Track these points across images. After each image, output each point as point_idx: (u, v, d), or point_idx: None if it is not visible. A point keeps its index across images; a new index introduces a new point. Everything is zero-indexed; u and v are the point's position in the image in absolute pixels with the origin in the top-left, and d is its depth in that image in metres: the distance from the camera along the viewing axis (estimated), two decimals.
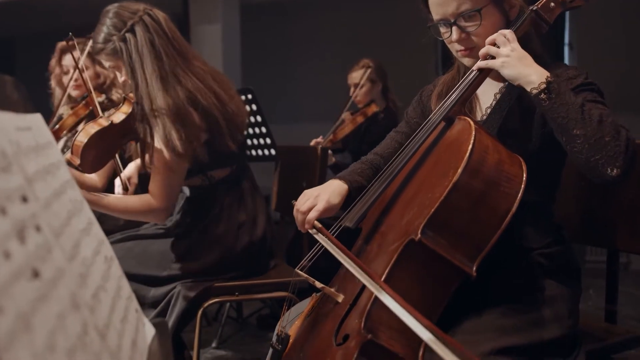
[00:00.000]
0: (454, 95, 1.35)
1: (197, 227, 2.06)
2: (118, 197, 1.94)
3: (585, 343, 1.43)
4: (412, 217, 1.20)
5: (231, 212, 2.07)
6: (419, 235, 1.12)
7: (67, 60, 2.79)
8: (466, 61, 1.42)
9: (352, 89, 3.70)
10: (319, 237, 1.33)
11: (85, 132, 1.84)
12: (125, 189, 2.22)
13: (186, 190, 2.12)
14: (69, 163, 1.79)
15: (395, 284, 1.14)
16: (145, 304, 2.02)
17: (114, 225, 2.70)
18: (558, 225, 1.44)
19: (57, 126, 2.51)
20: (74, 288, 0.61)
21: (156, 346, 0.86)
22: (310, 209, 1.40)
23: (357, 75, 3.67)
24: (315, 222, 1.38)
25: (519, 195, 1.20)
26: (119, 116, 1.93)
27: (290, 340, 1.30)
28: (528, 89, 1.25)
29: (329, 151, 3.43)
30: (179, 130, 1.86)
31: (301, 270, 1.37)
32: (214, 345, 2.95)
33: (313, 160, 2.41)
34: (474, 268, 1.17)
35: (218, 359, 2.83)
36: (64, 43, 2.78)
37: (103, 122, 1.89)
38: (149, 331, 0.87)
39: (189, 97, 1.92)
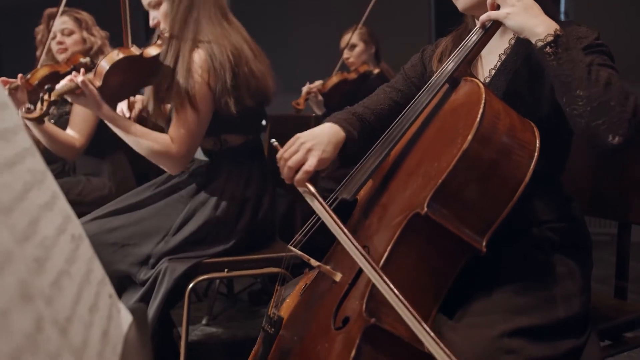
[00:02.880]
0: (458, 55, 1.24)
1: (201, 193, 1.99)
2: (142, 128, 1.88)
3: (595, 321, 1.34)
4: (416, 189, 1.10)
5: (237, 186, 2.00)
6: (425, 209, 1.02)
7: (55, 26, 2.68)
8: None
9: (345, 52, 3.60)
10: (314, 205, 1.19)
11: (111, 57, 1.80)
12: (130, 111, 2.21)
13: (199, 153, 2.05)
14: (90, 81, 1.77)
15: (398, 261, 1.05)
16: (135, 283, 1.94)
17: (98, 197, 2.61)
18: (568, 197, 1.34)
19: (28, 75, 2.39)
20: (25, 275, 0.51)
21: (134, 335, 0.76)
22: (299, 164, 1.23)
23: (350, 36, 3.57)
24: (308, 185, 1.21)
25: (533, 164, 1.10)
26: (150, 51, 1.90)
27: (283, 322, 1.21)
28: (533, 41, 1.14)
29: (319, 97, 3.37)
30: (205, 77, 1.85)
31: (294, 246, 1.27)
32: (204, 322, 2.87)
33: (306, 129, 2.28)
34: (484, 244, 1.07)
35: (208, 336, 2.75)
36: (51, 10, 2.70)
37: (134, 50, 1.85)
38: (126, 318, 0.77)
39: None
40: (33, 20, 2.86)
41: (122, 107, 2.32)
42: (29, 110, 1.76)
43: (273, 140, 1.30)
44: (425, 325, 0.94)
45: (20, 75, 2.22)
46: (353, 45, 3.58)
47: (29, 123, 2.35)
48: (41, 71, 2.50)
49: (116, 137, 2.63)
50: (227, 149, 2.03)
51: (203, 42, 1.89)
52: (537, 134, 1.14)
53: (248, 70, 1.96)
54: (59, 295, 0.57)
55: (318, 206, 1.17)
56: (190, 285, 1.89)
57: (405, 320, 0.95)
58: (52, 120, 2.67)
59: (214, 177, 2.01)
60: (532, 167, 1.10)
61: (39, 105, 1.72)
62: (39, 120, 1.78)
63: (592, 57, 1.13)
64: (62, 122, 2.64)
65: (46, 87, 1.72)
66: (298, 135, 1.29)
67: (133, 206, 2.03)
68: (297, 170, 1.24)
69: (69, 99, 1.77)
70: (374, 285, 1.03)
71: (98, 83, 1.79)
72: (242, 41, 1.99)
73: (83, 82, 1.74)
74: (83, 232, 0.75)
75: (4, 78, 2.24)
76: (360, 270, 1.10)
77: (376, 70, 3.58)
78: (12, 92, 2.19)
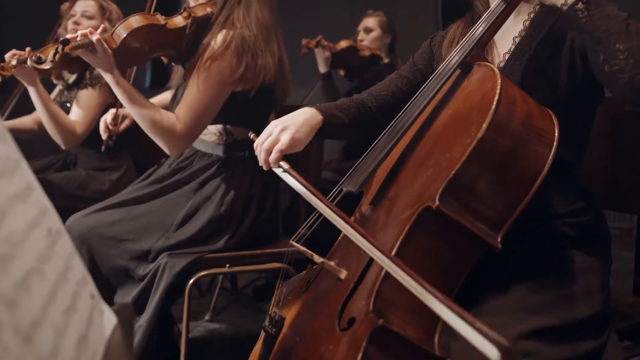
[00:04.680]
0: (471, 37, 1.16)
1: (204, 188, 1.95)
2: (151, 103, 1.82)
3: (614, 320, 1.27)
4: (427, 181, 1.02)
5: (243, 182, 1.95)
6: (437, 202, 0.95)
7: (79, 6, 2.64)
8: None
9: (360, 34, 3.56)
10: (288, 180, 1.18)
11: (129, 24, 1.74)
12: (113, 124, 2.20)
13: (200, 146, 2.00)
14: (106, 40, 1.70)
15: (407, 258, 0.98)
16: (133, 278, 1.89)
17: (97, 191, 2.56)
18: (585, 189, 1.26)
19: (37, 52, 2.33)
20: None
21: (118, 338, 0.69)
22: (273, 146, 1.24)
23: (370, 20, 3.55)
24: (282, 163, 1.23)
25: (552, 154, 1.03)
26: (176, 21, 1.85)
27: (285, 322, 1.14)
28: (559, 4, 1.07)
29: (327, 53, 3.37)
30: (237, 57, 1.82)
31: (297, 241, 1.20)
32: (207, 318, 2.81)
33: None
34: (499, 239, 1.00)
35: (211, 333, 2.69)
36: None
37: (159, 19, 1.80)
38: (109, 321, 0.70)
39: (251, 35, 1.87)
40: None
41: (107, 117, 2.27)
42: (39, 60, 1.68)
43: (250, 132, 1.33)
44: (451, 304, 0.84)
45: (28, 49, 2.16)
46: (370, 30, 3.54)
47: (33, 96, 2.30)
48: (51, 48, 2.45)
49: (120, 133, 2.58)
50: (232, 143, 1.97)
51: (235, 25, 1.85)
52: (555, 122, 1.07)
53: (271, 67, 1.93)
54: (25, 297, 0.50)
55: (297, 185, 1.14)
56: (191, 282, 1.84)
57: (427, 303, 0.86)
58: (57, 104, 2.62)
59: (219, 172, 1.96)
60: (550, 157, 1.03)
61: (50, 56, 1.64)
62: (47, 72, 1.71)
63: (627, 12, 1.05)
64: (64, 110, 2.58)
65: (61, 39, 1.65)
66: (273, 121, 1.29)
67: (134, 200, 1.98)
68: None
69: (82, 55, 1.69)
70: (382, 281, 0.96)
71: (114, 45, 1.72)
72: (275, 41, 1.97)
73: (98, 40, 1.67)
74: (62, 226, 0.68)
75: (14, 51, 2.17)
76: (367, 267, 1.03)
77: (386, 60, 3.52)
78: (21, 65, 2.12)
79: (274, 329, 1.12)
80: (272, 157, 1.24)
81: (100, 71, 1.73)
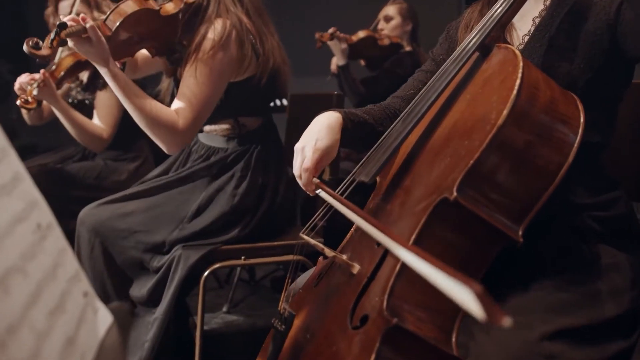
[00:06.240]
0: (490, 18, 1.09)
1: (218, 180, 1.92)
2: (150, 97, 1.72)
3: None
4: (444, 170, 0.97)
5: (256, 172, 1.92)
6: (455, 193, 0.89)
7: (63, 8, 2.61)
8: None
9: (380, 23, 3.48)
10: (324, 196, 1.10)
11: (123, 9, 1.64)
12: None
13: (214, 142, 1.97)
14: (99, 28, 1.58)
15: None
16: (147, 270, 1.88)
17: (116, 182, 2.56)
18: (613, 178, 1.19)
19: (54, 67, 2.31)
20: None
21: (114, 339, 0.66)
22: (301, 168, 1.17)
23: (389, 8, 3.46)
24: (315, 182, 1.14)
25: (577, 141, 0.97)
26: (168, 7, 1.75)
27: (295, 319, 1.09)
28: None
29: (344, 45, 3.26)
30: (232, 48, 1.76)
31: (308, 233, 1.15)
32: (224, 309, 2.79)
33: (327, 109, 2.17)
34: (520, 233, 0.94)
35: (229, 325, 2.67)
36: None
37: (153, 4, 1.71)
38: (104, 320, 0.66)
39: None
40: None
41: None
42: (36, 46, 1.62)
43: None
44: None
45: (42, 70, 2.15)
46: (390, 18, 3.46)
47: (57, 112, 2.30)
48: (65, 62, 2.43)
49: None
50: (246, 134, 1.94)
51: (230, 11, 1.80)
52: (581, 107, 1.00)
53: (269, 50, 1.88)
54: (3, 299, 0.47)
55: (331, 200, 1.06)
56: (205, 274, 1.82)
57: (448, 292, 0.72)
58: (74, 102, 2.61)
59: (233, 164, 1.93)
60: (576, 145, 0.96)
61: (47, 42, 1.54)
62: (45, 59, 1.63)
63: None
64: (82, 109, 2.57)
65: (58, 22, 1.53)
66: (296, 144, 1.20)
67: (148, 192, 1.96)
68: None
69: (75, 47, 1.56)
70: (397, 277, 0.91)
71: (108, 33, 1.60)
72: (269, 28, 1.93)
73: (92, 27, 1.53)
74: (54, 220, 0.64)
75: (31, 76, 2.17)
76: (381, 262, 0.98)
77: (408, 48, 3.44)
78: (41, 87, 2.12)
79: (283, 326, 1.08)
80: (303, 180, 1.16)
81: (95, 64, 1.61)
